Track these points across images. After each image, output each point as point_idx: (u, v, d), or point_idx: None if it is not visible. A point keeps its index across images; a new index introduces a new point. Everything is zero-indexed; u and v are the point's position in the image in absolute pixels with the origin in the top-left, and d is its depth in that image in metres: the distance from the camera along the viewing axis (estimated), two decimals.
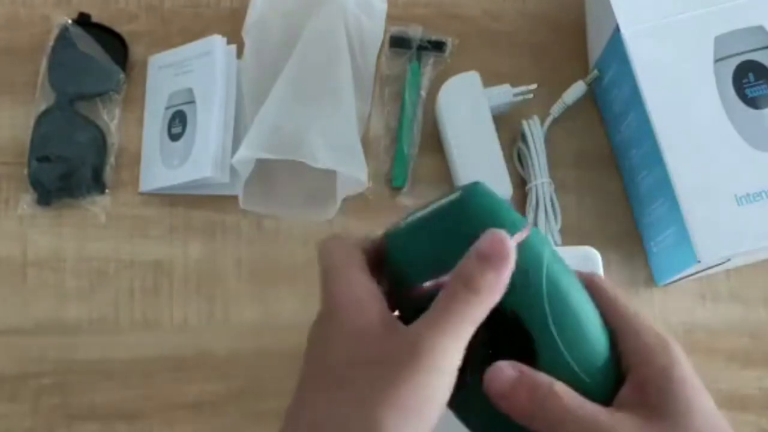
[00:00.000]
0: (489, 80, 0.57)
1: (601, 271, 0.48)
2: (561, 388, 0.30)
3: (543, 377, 0.30)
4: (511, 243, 0.29)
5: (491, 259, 0.29)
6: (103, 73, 0.60)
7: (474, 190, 0.32)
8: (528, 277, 0.30)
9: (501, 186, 0.55)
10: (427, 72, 0.61)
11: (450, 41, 0.61)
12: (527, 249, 0.30)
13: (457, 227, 0.31)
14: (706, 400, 0.30)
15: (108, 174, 0.59)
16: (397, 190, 0.58)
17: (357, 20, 0.60)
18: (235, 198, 0.57)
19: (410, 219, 0.32)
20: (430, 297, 0.30)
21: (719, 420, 0.30)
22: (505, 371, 0.30)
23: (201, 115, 0.58)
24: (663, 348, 0.32)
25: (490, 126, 0.56)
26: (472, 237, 0.29)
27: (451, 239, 0.30)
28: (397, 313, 0.31)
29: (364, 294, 0.30)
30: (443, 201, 0.32)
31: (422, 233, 0.32)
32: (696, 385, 0.30)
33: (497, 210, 0.31)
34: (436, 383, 0.28)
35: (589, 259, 0.48)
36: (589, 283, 0.33)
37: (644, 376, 0.31)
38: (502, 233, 0.29)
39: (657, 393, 0.30)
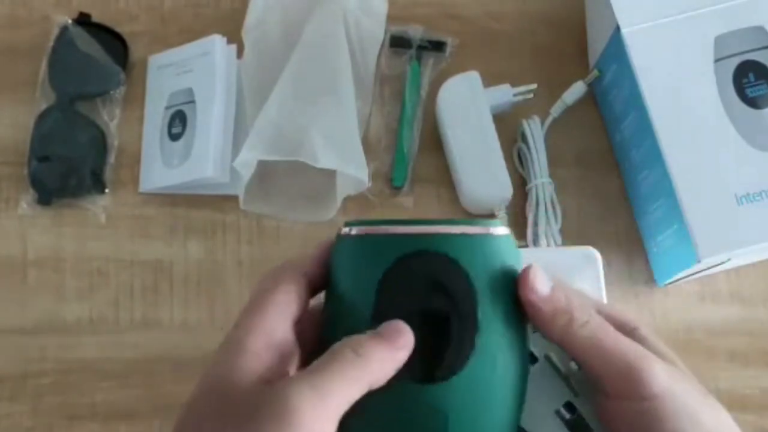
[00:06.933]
0: (489, 80, 0.57)
1: (600, 272, 0.47)
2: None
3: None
4: (411, 336, 0.29)
5: (390, 339, 0.28)
6: (103, 73, 0.60)
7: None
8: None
9: (501, 186, 0.55)
10: (427, 72, 0.61)
11: (450, 41, 0.61)
12: None
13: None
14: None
15: (108, 174, 0.59)
16: (397, 189, 0.58)
17: (357, 20, 0.60)
18: (235, 198, 0.57)
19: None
20: None
21: None
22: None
23: (201, 115, 0.58)
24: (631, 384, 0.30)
25: (490, 126, 0.56)
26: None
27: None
28: None
29: (261, 343, 0.29)
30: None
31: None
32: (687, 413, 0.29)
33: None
34: None
35: (589, 259, 0.48)
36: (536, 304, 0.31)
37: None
38: (403, 326, 0.29)
39: None
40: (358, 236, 0.31)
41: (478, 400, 0.29)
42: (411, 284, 0.29)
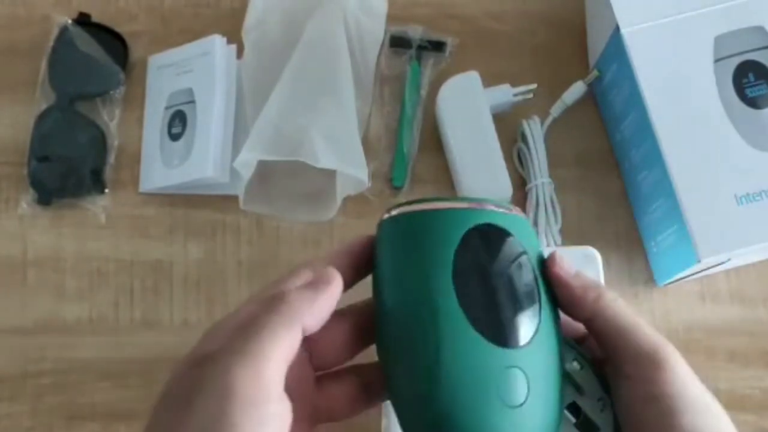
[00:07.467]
0: (489, 80, 0.57)
1: (601, 271, 0.48)
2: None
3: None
4: (339, 279, 0.30)
5: (313, 282, 0.29)
6: (103, 73, 0.60)
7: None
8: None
9: (501, 186, 0.55)
10: (427, 72, 0.61)
11: (450, 41, 0.61)
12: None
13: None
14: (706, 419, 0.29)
15: (108, 174, 0.59)
16: (397, 190, 0.58)
17: (357, 20, 0.60)
18: (235, 198, 0.57)
19: None
20: None
21: None
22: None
23: (201, 115, 0.58)
24: (651, 366, 0.30)
25: (490, 126, 0.56)
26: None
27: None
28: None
29: (229, 325, 0.29)
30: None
31: None
32: (691, 406, 0.29)
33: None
34: (257, 418, 0.26)
35: (589, 259, 0.48)
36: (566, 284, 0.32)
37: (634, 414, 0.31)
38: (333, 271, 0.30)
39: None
40: (425, 211, 0.32)
41: (548, 364, 0.30)
42: (482, 254, 0.31)
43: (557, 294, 0.32)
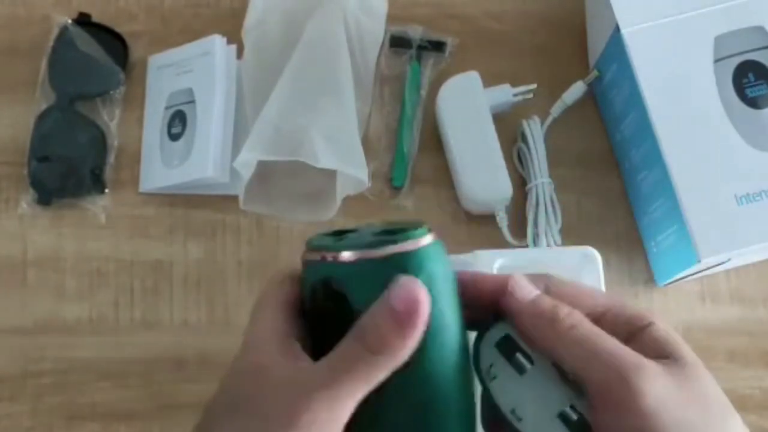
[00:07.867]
0: (489, 80, 0.57)
1: (601, 271, 0.48)
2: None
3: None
4: (427, 299, 0.26)
5: (401, 319, 0.26)
6: (103, 73, 0.60)
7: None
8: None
9: (501, 186, 0.55)
10: (427, 72, 0.61)
11: (450, 41, 0.61)
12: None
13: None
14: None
15: (108, 174, 0.59)
16: (397, 190, 0.58)
17: (357, 20, 0.60)
18: (235, 198, 0.57)
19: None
20: None
21: None
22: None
23: (201, 114, 0.58)
24: (617, 386, 0.27)
25: (490, 126, 0.56)
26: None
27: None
28: None
29: (266, 333, 0.29)
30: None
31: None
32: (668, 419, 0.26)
33: None
34: None
35: (589, 259, 0.48)
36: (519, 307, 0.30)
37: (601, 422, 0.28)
38: (418, 284, 0.27)
39: None
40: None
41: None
42: (319, 308, 0.31)
43: (516, 323, 0.30)
